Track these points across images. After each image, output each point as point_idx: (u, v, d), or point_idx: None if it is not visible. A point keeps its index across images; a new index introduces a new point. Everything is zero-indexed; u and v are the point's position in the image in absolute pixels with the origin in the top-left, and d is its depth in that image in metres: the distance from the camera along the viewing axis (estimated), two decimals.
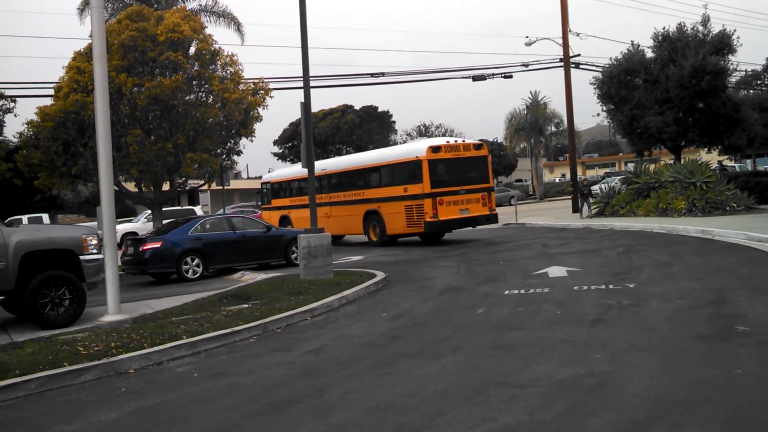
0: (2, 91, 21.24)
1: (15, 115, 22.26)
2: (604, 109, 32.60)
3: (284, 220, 26.85)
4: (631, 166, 33.02)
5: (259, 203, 32.25)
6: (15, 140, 25.73)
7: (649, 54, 30.15)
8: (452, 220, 20.70)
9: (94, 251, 11.39)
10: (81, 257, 10.90)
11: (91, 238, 11.45)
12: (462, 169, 21.08)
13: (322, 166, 25.55)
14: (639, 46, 30.82)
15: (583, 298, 10.16)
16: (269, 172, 31.44)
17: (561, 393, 5.83)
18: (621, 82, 29.86)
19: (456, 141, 22.13)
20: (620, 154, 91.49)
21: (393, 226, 21.65)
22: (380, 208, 22.02)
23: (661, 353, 6.87)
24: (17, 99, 22.09)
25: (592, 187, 50.67)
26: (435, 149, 20.72)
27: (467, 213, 20.96)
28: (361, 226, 22.82)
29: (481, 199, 21.34)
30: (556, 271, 12.97)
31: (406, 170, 21.09)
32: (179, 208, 24.30)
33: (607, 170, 72.67)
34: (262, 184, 30.26)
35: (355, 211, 22.98)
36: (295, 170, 27.89)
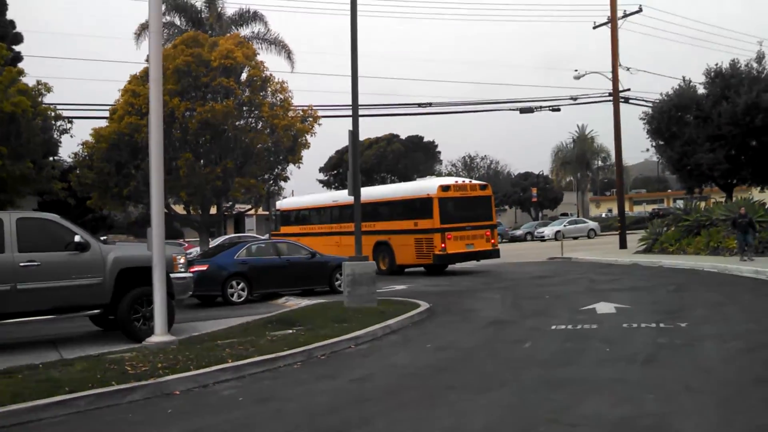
0: (59, 112, 21.79)
1: (71, 136, 22.85)
2: (654, 144, 32.18)
3: None
4: (680, 203, 32.43)
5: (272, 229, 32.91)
6: (69, 160, 26.37)
7: (701, 90, 29.74)
8: (459, 253, 22.28)
9: (183, 270, 11.91)
10: (171, 275, 11.18)
11: (180, 257, 12.01)
12: (468, 207, 22.77)
13: (334, 197, 27.73)
14: (690, 81, 30.44)
15: (633, 335, 9.92)
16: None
17: None
18: (671, 118, 29.46)
19: (464, 181, 24.02)
20: (669, 190, 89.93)
21: (402, 256, 23.04)
22: (390, 239, 23.32)
23: (718, 396, 6.63)
24: (74, 120, 22.66)
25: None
26: (445, 188, 22.40)
27: (472, 248, 22.54)
28: (371, 255, 23.27)
29: (485, 235, 22.98)
30: (604, 308, 12.71)
31: (418, 206, 22.60)
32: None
33: (656, 206, 71.39)
34: (273, 210, 31.20)
35: (366, 241, 23.34)
36: (306, 200, 30.28)
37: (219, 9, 33.40)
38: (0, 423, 6.61)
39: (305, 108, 24.69)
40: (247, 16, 33.42)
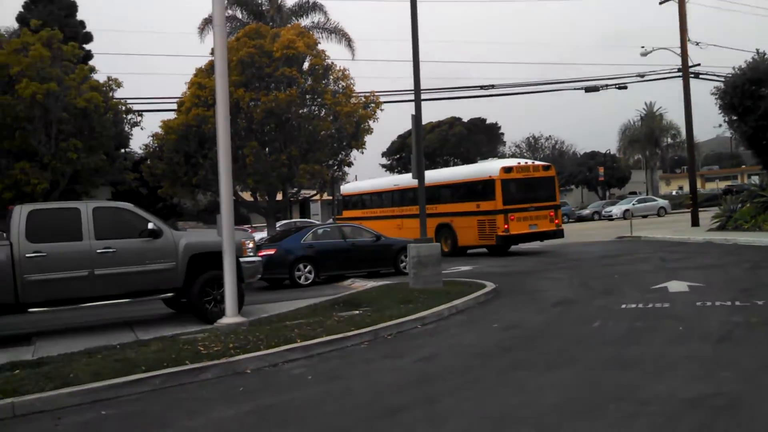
0: (130, 105, 22.45)
1: (141, 128, 23.57)
2: (726, 119, 31.00)
3: None
4: (755, 179, 31.25)
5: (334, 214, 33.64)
6: (140, 152, 27.19)
7: None
8: (522, 234, 22.43)
9: (251, 254, 12.29)
10: (240, 259, 11.50)
11: (249, 242, 12.39)
12: (531, 188, 22.88)
13: (395, 181, 28.46)
14: (765, 54, 29.11)
15: (707, 314, 9.64)
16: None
17: (687, 411, 5.53)
18: (745, 92, 28.27)
19: (526, 162, 24.12)
20: (743, 166, 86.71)
21: (465, 238, 23.31)
22: (452, 221, 23.61)
23: None
24: (143, 113, 23.35)
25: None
26: (507, 170, 22.52)
27: (536, 228, 22.68)
28: (434, 238, 23.11)
29: (549, 216, 23.05)
30: (676, 286, 12.39)
31: (480, 188, 22.86)
32: None
33: (729, 183, 68.96)
34: (337, 195, 31.81)
35: (428, 223, 23.47)
36: (368, 184, 31.04)
37: (279, 1, 33.76)
38: (82, 400, 6.94)
39: (367, 94, 24.74)
40: (306, 7, 33.74)
